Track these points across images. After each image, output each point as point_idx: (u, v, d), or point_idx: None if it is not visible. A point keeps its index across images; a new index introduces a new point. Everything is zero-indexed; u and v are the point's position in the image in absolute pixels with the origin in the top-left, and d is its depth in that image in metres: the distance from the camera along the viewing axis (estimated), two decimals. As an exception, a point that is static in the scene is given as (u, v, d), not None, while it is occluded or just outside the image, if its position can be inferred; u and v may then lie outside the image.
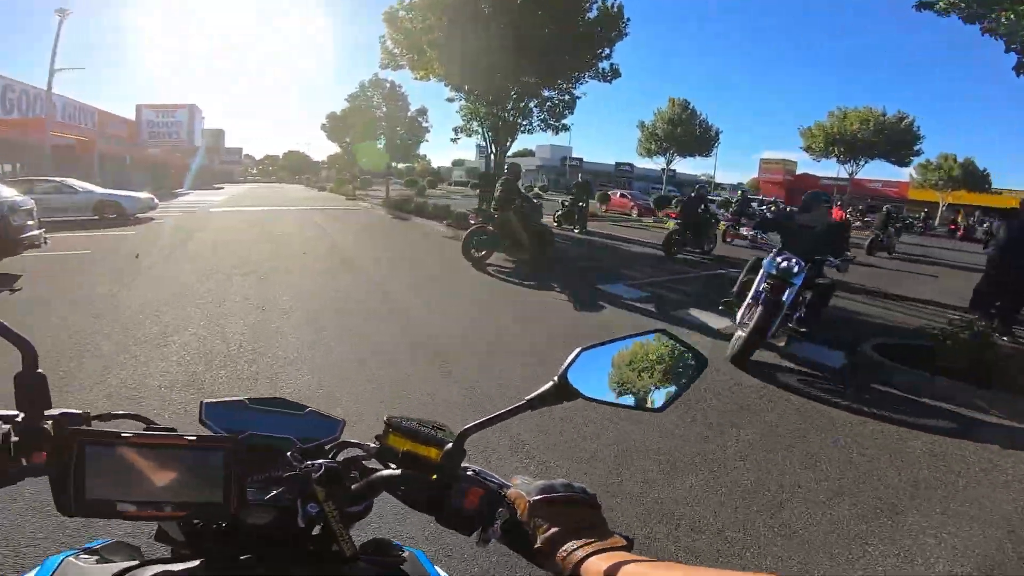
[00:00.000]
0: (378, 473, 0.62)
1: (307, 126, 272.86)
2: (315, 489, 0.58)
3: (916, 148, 32.80)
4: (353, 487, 0.61)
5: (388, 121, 22.07)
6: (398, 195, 21.56)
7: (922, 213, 28.51)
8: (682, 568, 0.44)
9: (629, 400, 0.64)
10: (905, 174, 39.82)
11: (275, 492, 0.59)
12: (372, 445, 0.68)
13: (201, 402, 0.66)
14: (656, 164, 37.69)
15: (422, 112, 22.41)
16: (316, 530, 0.62)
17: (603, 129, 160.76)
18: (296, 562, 0.60)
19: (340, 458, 0.67)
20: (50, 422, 0.57)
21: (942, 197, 36.91)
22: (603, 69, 14.34)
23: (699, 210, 10.86)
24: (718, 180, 51.53)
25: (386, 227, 14.59)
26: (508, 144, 13.82)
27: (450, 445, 0.61)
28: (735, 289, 4.73)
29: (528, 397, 0.60)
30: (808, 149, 34.42)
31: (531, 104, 13.96)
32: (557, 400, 0.60)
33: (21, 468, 0.55)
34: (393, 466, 0.65)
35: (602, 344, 0.63)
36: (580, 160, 49.35)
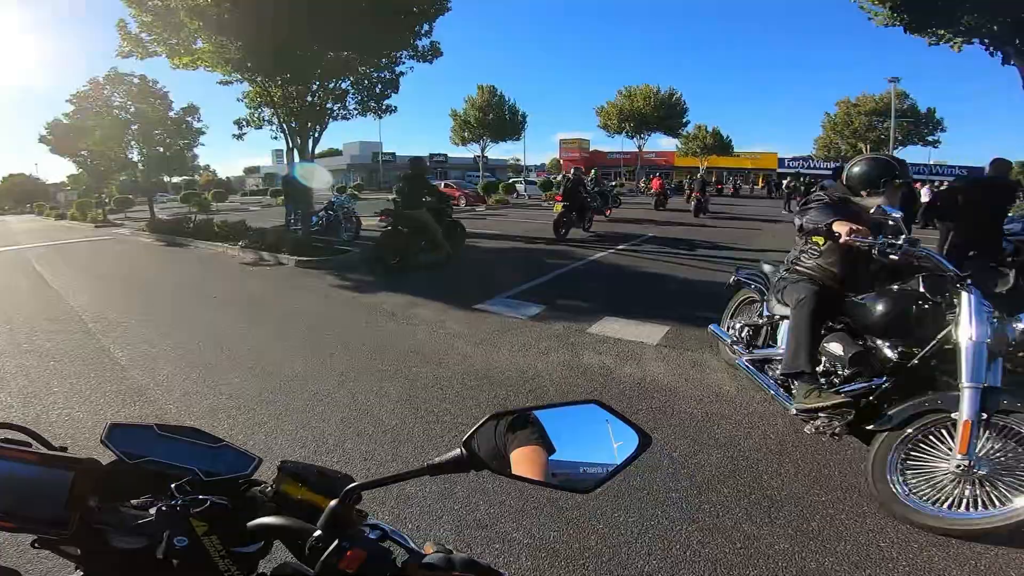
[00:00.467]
0: (261, 519, 0.61)
1: (26, 142, 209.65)
2: (191, 523, 0.57)
3: (684, 120, 38.31)
4: (239, 528, 0.60)
5: (142, 124, 16.89)
6: (173, 215, 17.08)
7: (712, 178, 34.08)
8: None
9: (549, 476, 0.57)
10: (674, 144, 46.79)
11: (143, 521, 0.57)
12: (266, 488, 0.67)
13: (107, 424, 0.66)
14: (469, 152, 37.60)
15: (192, 111, 17.71)
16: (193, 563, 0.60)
17: (412, 122, 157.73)
18: None
19: (247, 496, 0.66)
20: None
21: (701, 162, 44.31)
22: (422, 47, 12.52)
23: (579, 192, 11.70)
24: (527, 162, 53.98)
25: (152, 261, 10.49)
26: (316, 134, 11.14)
27: (333, 501, 0.58)
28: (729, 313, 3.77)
29: (429, 462, 0.57)
30: (604, 127, 37.93)
31: (345, 84, 11.44)
32: (460, 469, 0.56)
33: None
34: (282, 512, 0.63)
35: (518, 412, 0.58)
36: (393, 155, 46.80)
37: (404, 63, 12.07)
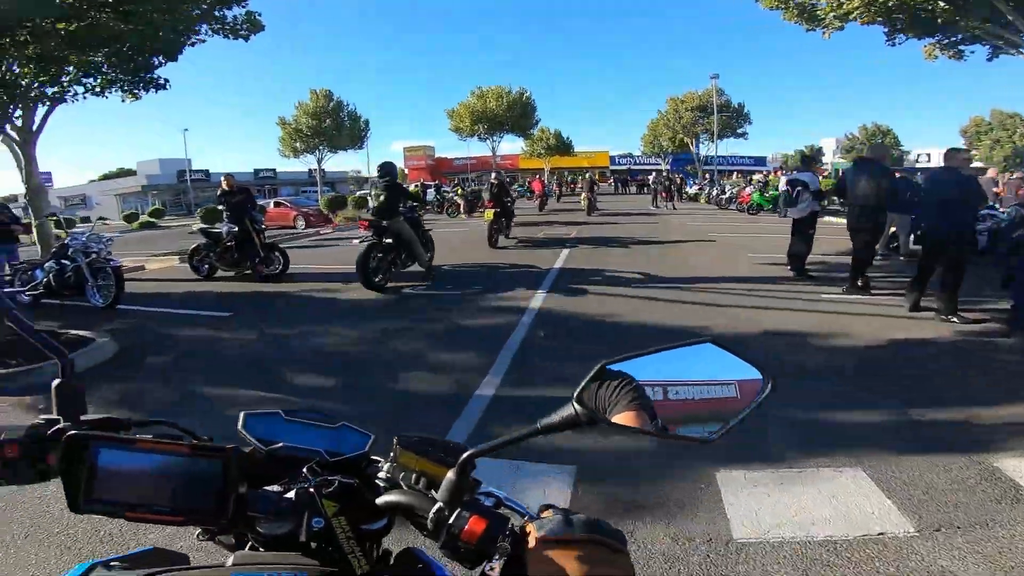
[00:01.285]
0: (387, 496, 0.62)
1: None
2: (324, 504, 0.58)
3: (535, 119, 37.85)
4: (366, 505, 0.61)
5: None
6: None
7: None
8: None
9: (669, 425, 0.56)
10: (519, 147, 47.40)
11: (283, 505, 0.58)
12: (385, 465, 0.67)
13: (242, 413, 0.71)
14: (303, 164, 32.90)
15: None
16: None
17: (234, 134, 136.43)
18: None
19: (367, 474, 0.68)
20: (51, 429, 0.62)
21: (546, 163, 45.65)
22: (231, 18, 9.26)
23: (504, 198, 11.17)
24: (368, 174, 50.12)
25: None
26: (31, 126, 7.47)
27: (453, 470, 0.58)
28: None
29: (541, 422, 0.55)
30: (457, 129, 35.84)
31: (94, 55, 7.72)
32: (573, 426, 0.54)
33: (47, 470, 0.60)
34: (403, 485, 0.64)
35: (630, 358, 0.56)
36: (206, 172, 39.15)
37: (201, 38, 8.75)
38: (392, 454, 0.66)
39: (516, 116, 34.74)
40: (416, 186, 24.30)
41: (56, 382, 0.64)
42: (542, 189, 21.38)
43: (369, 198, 24.92)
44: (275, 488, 0.61)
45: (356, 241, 7.29)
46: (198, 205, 30.08)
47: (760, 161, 47.50)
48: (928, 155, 43.46)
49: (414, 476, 0.63)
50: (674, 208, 20.64)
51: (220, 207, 8.65)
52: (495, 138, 36.58)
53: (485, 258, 9.43)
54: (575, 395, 0.53)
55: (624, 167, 50.05)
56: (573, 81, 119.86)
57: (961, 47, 10.65)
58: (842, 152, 43.67)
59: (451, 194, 21.50)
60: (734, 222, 15.64)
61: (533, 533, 0.51)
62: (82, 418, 0.64)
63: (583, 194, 18.98)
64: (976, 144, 39.24)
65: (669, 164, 44.91)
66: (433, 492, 0.60)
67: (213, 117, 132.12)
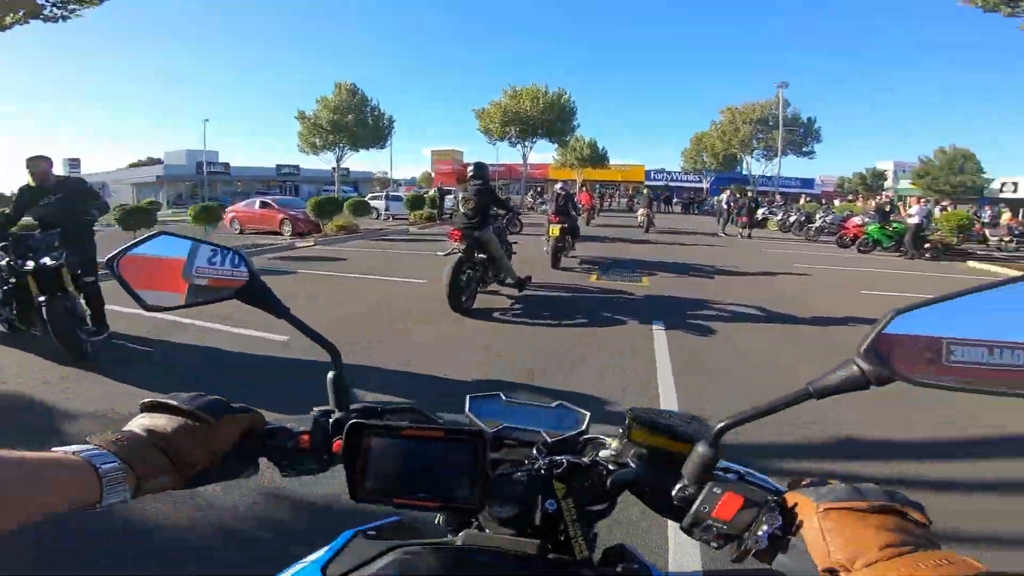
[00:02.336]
0: (618, 472, 0.60)
1: None
2: (555, 485, 0.58)
3: (574, 124, 33.46)
4: (594, 485, 0.60)
5: None
6: None
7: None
8: None
9: (989, 379, 0.43)
10: (551, 156, 45.23)
11: (518, 487, 0.58)
12: (613, 442, 0.65)
13: (467, 396, 0.74)
14: (326, 163, 31.13)
15: None
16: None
17: (260, 128, 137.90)
18: (533, 559, 0.56)
19: (586, 453, 0.66)
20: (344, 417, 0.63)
21: (579, 174, 43.39)
22: None
23: (570, 211, 10.01)
24: (394, 176, 48.49)
25: None
26: None
27: (700, 444, 0.54)
28: None
29: (811, 383, 0.47)
30: (486, 130, 32.83)
31: None
32: (858, 385, 0.45)
33: (330, 458, 0.62)
34: (637, 463, 0.60)
35: (929, 304, 0.45)
36: (225, 165, 37.95)
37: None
38: (621, 430, 0.63)
39: (552, 120, 31.17)
40: (435, 192, 22.25)
41: (331, 374, 0.66)
42: (590, 201, 19.88)
43: (374, 202, 22.29)
44: (502, 472, 0.60)
45: (440, 253, 6.63)
46: (214, 199, 28.56)
47: (807, 183, 44.45)
48: (1015, 184, 36.94)
49: (646, 452, 0.60)
50: (749, 236, 16.71)
51: (9, 213, 4.40)
52: (527, 143, 33.22)
53: (554, 280, 8.03)
54: (860, 350, 0.45)
55: (661, 183, 47.37)
56: (609, 88, 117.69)
57: None
58: (914, 177, 37.28)
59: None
60: (843, 261, 12.16)
61: (806, 502, 0.46)
62: (352, 407, 0.66)
63: (641, 210, 18.55)
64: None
65: (710, 182, 42.31)
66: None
67: (239, 111, 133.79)
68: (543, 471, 0.58)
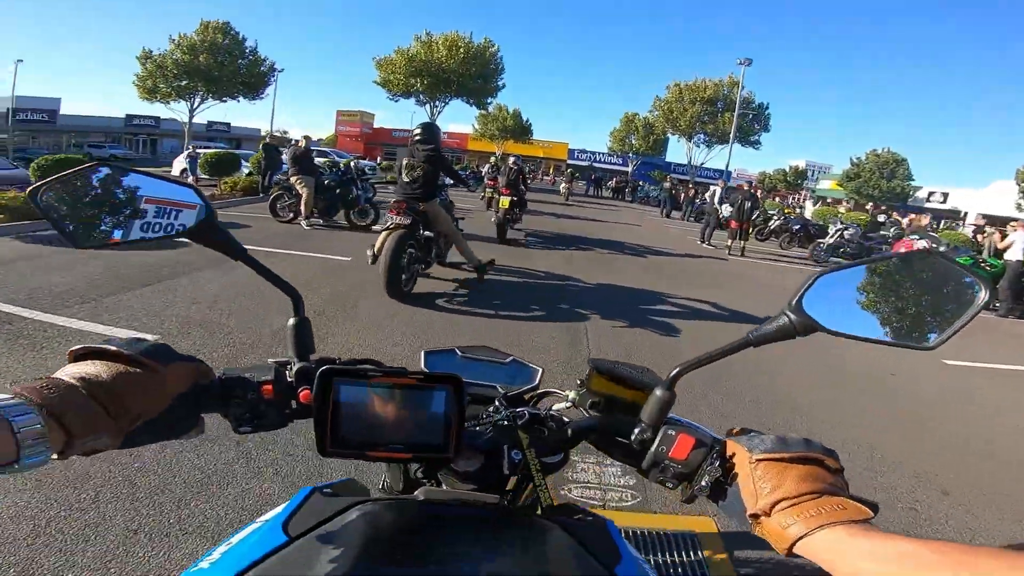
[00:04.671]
0: (577, 420, 0.61)
1: None
2: (519, 436, 0.58)
3: (498, 83, 27.96)
4: (554, 434, 0.60)
5: None
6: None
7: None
8: (955, 548, 0.35)
9: (886, 333, 0.53)
10: (470, 125, 40.98)
11: (485, 438, 0.59)
12: (569, 393, 0.68)
13: (422, 351, 0.75)
14: (178, 114, 24.54)
15: None
16: (511, 483, 0.63)
17: (107, 68, 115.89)
18: (498, 510, 0.57)
19: (540, 406, 0.68)
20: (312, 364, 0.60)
21: (499, 146, 39.58)
22: None
23: (520, 187, 9.99)
24: (287, 134, 41.66)
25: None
26: None
27: (658, 388, 0.57)
28: None
29: (751, 333, 0.54)
30: (386, 83, 26.22)
31: None
32: (786, 335, 0.52)
33: (292, 411, 0.59)
34: (593, 413, 0.63)
35: (846, 267, 0.54)
36: (51, 114, 29.53)
37: None
38: (579, 381, 0.65)
39: (471, 74, 25.64)
40: (260, 150, 17.17)
41: (292, 321, 0.62)
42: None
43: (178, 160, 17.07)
44: (469, 424, 0.59)
45: (376, 227, 6.07)
46: (22, 155, 21.41)
47: (724, 175, 43.70)
48: (945, 194, 35.14)
49: (601, 402, 0.62)
50: (741, 253, 11.33)
51: None
52: (437, 103, 27.19)
53: (501, 256, 6.88)
54: (789, 304, 0.52)
55: (584, 163, 45.00)
56: (542, 56, 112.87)
57: None
58: (842, 179, 35.48)
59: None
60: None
61: (741, 452, 0.51)
62: (311, 357, 0.62)
63: (563, 184, 22.68)
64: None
65: (635, 166, 40.55)
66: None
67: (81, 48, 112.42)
68: (507, 422, 0.59)
